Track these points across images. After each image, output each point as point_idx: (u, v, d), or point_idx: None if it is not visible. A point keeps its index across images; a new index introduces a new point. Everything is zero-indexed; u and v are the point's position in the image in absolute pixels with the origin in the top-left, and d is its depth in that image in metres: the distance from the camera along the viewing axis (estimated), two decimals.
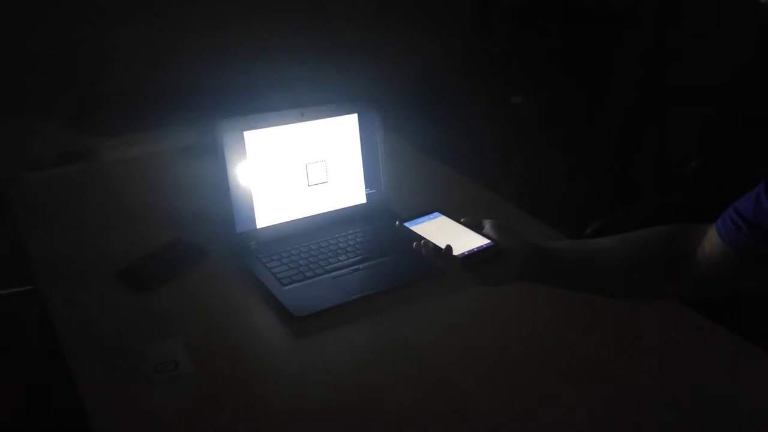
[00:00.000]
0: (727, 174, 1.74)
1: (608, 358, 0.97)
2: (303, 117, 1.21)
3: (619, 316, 1.06)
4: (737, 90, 1.88)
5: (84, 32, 1.70)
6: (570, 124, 2.42)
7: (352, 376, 0.93)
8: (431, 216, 0.92)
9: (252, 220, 1.18)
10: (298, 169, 1.22)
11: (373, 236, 1.24)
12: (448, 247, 0.82)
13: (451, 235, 0.86)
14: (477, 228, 0.87)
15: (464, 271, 0.82)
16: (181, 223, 1.26)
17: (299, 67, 2.10)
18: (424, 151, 1.69)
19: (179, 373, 0.91)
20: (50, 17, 1.65)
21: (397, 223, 0.90)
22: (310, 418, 0.85)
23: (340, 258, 1.16)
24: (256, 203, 1.18)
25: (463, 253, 0.81)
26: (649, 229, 0.79)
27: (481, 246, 0.83)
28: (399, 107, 2.07)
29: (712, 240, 0.73)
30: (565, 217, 2.43)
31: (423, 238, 0.85)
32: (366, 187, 1.30)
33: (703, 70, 2.15)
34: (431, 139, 1.79)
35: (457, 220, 0.90)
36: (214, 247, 1.19)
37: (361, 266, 1.15)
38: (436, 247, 0.83)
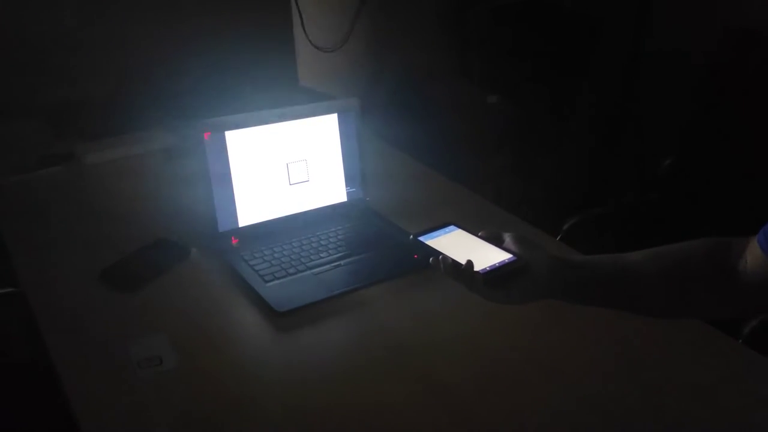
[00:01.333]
0: (700, 172, 1.79)
1: (595, 349, 1.00)
2: (283, 117, 1.23)
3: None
4: (708, 91, 1.93)
5: (63, 34, 1.70)
6: (548, 123, 2.46)
7: (334, 369, 0.95)
8: (446, 229, 0.86)
9: (234, 218, 1.20)
10: (279, 168, 1.24)
11: (354, 233, 1.26)
12: (469, 263, 0.77)
13: (469, 249, 0.81)
14: (497, 242, 0.82)
15: (487, 289, 0.77)
16: (163, 223, 1.28)
17: (279, 69, 2.13)
18: (404, 150, 1.71)
19: (163, 368, 0.92)
20: (28, 19, 1.65)
21: (411, 236, 0.85)
22: (294, 412, 0.87)
23: (322, 255, 1.19)
24: (238, 202, 1.20)
25: (485, 269, 0.76)
26: (685, 243, 0.75)
27: (504, 261, 0.78)
28: (379, 108, 2.10)
29: (754, 254, 0.68)
30: (543, 215, 2.47)
31: (440, 252, 0.80)
32: (347, 186, 1.33)
33: (677, 70, 2.20)
34: (411, 139, 1.82)
35: (475, 234, 0.85)
36: (197, 246, 1.20)
37: (342, 262, 1.17)
38: (455, 263, 0.78)
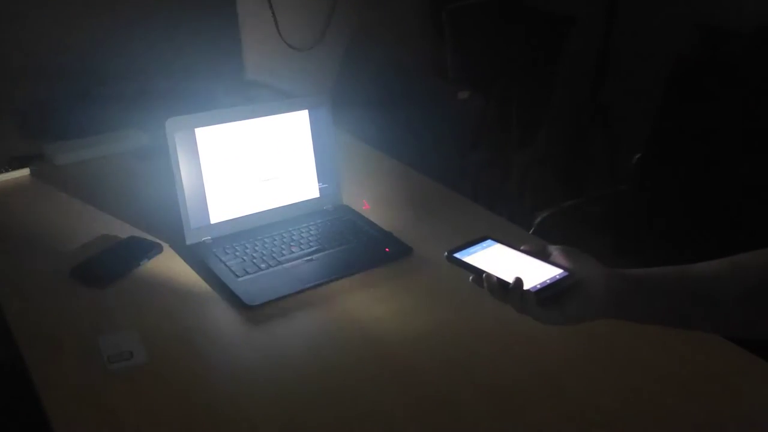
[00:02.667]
0: (668, 166, 1.82)
1: (572, 339, 1.01)
2: (254, 114, 1.24)
3: None
4: (677, 87, 1.96)
5: (33, 36, 1.70)
6: (522, 120, 2.49)
7: (306, 361, 0.96)
8: (484, 244, 0.80)
9: (206, 215, 1.20)
10: (251, 164, 1.24)
11: (326, 228, 1.27)
12: (519, 281, 0.71)
13: (514, 265, 0.75)
14: (542, 256, 0.76)
15: (540, 309, 0.71)
16: (135, 222, 1.28)
17: (253, 68, 2.13)
18: (380, 148, 1.72)
19: (134, 362, 0.92)
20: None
21: (446, 254, 0.78)
22: (265, 403, 0.87)
23: (294, 250, 1.19)
24: (209, 199, 1.20)
25: (536, 286, 0.70)
26: (763, 251, 0.67)
27: (555, 277, 0.71)
28: (355, 106, 2.12)
29: None
30: (520, 210, 2.50)
31: (482, 270, 0.74)
32: (319, 182, 1.33)
33: (646, 66, 2.24)
34: (387, 137, 1.83)
35: (516, 248, 0.78)
36: (169, 243, 1.20)
37: (314, 257, 1.18)
38: (501, 282, 0.72)
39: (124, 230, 1.24)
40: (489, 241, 0.81)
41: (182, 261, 1.17)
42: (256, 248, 1.19)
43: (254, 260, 1.15)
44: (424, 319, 1.05)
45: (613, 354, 0.97)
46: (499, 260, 0.76)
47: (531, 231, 1.69)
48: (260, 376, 0.93)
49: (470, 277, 0.75)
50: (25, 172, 1.48)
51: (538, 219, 1.69)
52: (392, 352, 0.97)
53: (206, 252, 1.17)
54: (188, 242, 1.18)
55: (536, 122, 2.54)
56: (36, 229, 1.27)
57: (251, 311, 1.04)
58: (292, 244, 1.21)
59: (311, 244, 1.21)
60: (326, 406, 0.87)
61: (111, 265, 1.12)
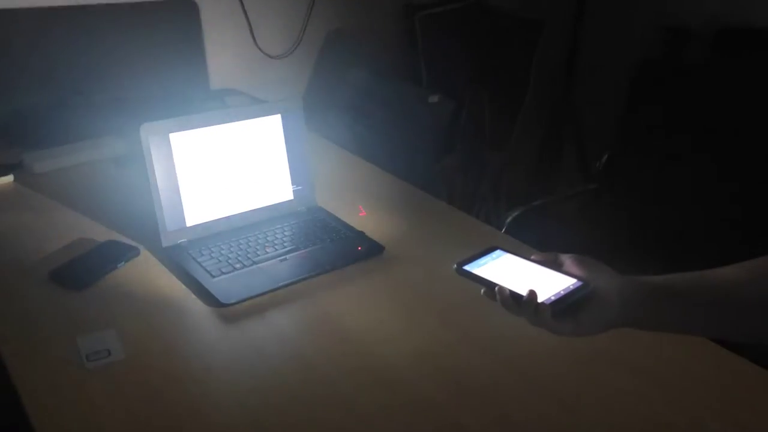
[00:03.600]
0: (633, 163, 1.88)
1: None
2: (227, 118, 1.27)
3: None
4: (642, 87, 2.02)
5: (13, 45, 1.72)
6: (495, 123, 2.54)
7: (280, 357, 0.99)
8: (493, 254, 0.78)
9: (181, 218, 1.24)
10: (225, 168, 1.28)
11: (300, 229, 1.31)
12: (532, 293, 0.69)
13: (525, 276, 0.73)
14: (554, 265, 0.74)
15: (555, 322, 0.69)
16: (113, 226, 1.31)
17: (230, 77, 2.17)
18: (355, 152, 1.76)
19: (112, 360, 0.95)
20: None
21: (455, 266, 0.76)
22: (240, 397, 0.91)
23: (268, 250, 1.23)
24: (184, 202, 1.23)
25: (550, 298, 0.69)
26: None
27: (569, 288, 0.70)
28: (328, 110, 2.16)
29: None
30: (495, 211, 2.55)
31: (494, 283, 0.72)
32: (293, 184, 1.37)
33: (611, 69, 2.30)
34: (360, 141, 1.87)
35: (526, 257, 0.77)
36: (146, 246, 1.24)
37: (288, 256, 1.22)
38: (514, 294, 0.70)
39: (102, 234, 1.27)
40: (498, 252, 0.79)
41: (159, 263, 1.20)
42: (231, 249, 1.22)
43: (229, 261, 1.19)
44: (394, 313, 1.09)
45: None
46: (510, 271, 0.75)
47: (503, 230, 1.74)
48: (235, 371, 0.96)
49: (482, 290, 0.73)
50: (9, 179, 1.50)
51: (509, 218, 1.74)
52: (363, 346, 1.01)
53: (182, 254, 1.20)
54: (164, 245, 1.22)
55: (509, 125, 2.60)
56: (15, 235, 1.30)
57: (226, 309, 1.08)
58: (266, 244, 1.24)
59: (285, 244, 1.25)
60: (300, 399, 0.90)
61: (89, 268, 1.15)
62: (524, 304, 0.69)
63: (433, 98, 1.84)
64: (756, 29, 2.10)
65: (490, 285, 0.72)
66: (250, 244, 1.24)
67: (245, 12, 2.15)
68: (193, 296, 1.12)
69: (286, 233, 1.29)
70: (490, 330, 1.03)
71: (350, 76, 2.12)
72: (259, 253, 1.22)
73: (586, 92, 2.47)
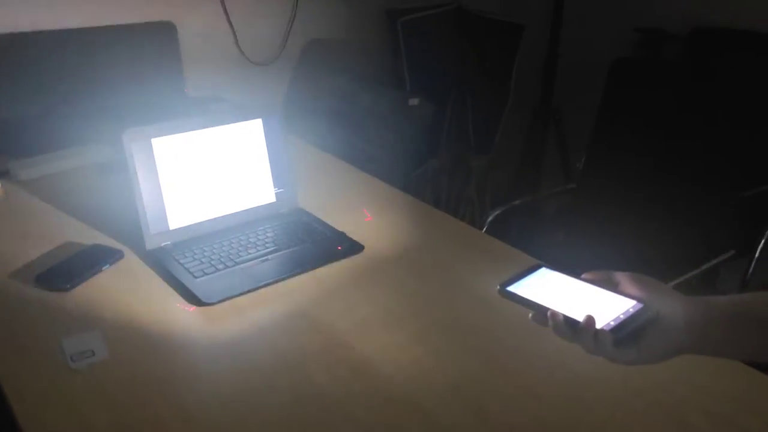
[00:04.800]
0: (609, 166, 1.92)
1: (512, 319, 1.09)
2: (209, 123, 1.30)
3: None
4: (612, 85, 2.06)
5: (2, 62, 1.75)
6: (479, 127, 2.58)
7: (262, 354, 1.01)
8: (537, 273, 0.72)
9: (164, 221, 1.26)
10: (208, 172, 1.31)
11: (282, 230, 1.34)
12: (590, 320, 0.63)
13: (577, 297, 0.67)
14: (608, 285, 0.68)
15: (616, 350, 0.63)
16: (99, 230, 1.33)
17: (213, 83, 2.20)
18: (339, 157, 1.80)
19: (96, 359, 0.98)
20: None
21: (498, 288, 0.70)
22: (221, 393, 0.93)
23: (250, 251, 1.26)
24: (167, 206, 1.26)
25: (609, 323, 0.62)
26: None
27: (628, 311, 0.63)
28: (312, 116, 2.19)
29: None
30: (478, 213, 2.59)
31: (544, 307, 0.66)
32: (275, 187, 1.40)
33: (590, 70, 2.35)
34: (344, 144, 1.91)
35: (575, 275, 0.70)
36: (131, 249, 1.26)
37: (269, 257, 1.25)
38: (568, 320, 0.64)
39: (87, 239, 1.30)
40: (543, 270, 0.73)
41: (143, 265, 1.23)
42: (214, 251, 1.25)
43: (212, 262, 1.21)
44: (371, 309, 1.12)
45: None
46: (559, 292, 0.68)
47: (483, 230, 1.77)
48: (217, 368, 0.98)
49: (530, 315, 0.67)
50: None
51: (490, 217, 1.78)
52: (341, 340, 1.04)
53: (166, 256, 1.23)
54: (148, 247, 1.24)
55: (492, 128, 2.64)
56: (2, 241, 1.32)
57: (209, 309, 1.10)
58: (248, 246, 1.27)
59: (267, 245, 1.28)
60: (280, 392, 0.93)
61: (74, 271, 1.18)
62: (581, 331, 0.63)
63: (413, 101, 1.87)
64: (731, 30, 2.15)
65: (539, 309, 0.66)
66: (232, 245, 1.27)
67: (229, 20, 2.19)
68: (176, 296, 1.14)
69: (268, 235, 1.32)
70: (467, 325, 1.07)
71: (331, 81, 2.16)
72: (241, 254, 1.24)
73: (567, 94, 2.52)
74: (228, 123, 1.32)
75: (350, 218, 1.41)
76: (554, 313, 0.65)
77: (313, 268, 1.22)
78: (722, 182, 1.61)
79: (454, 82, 2.51)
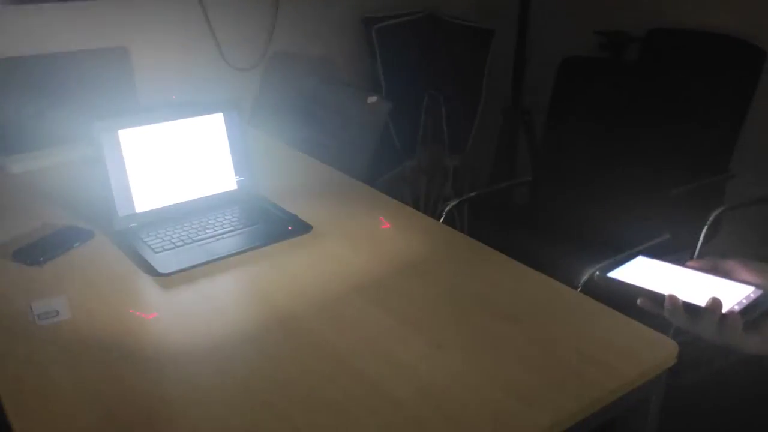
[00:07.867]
0: (559, 161, 2.03)
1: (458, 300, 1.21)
2: (173, 116, 1.44)
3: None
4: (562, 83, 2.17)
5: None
6: (455, 128, 2.70)
7: (209, 318, 1.13)
8: (635, 260, 0.69)
9: (131, 205, 1.40)
10: (172, 161, 1.44)
11: (240, 214, 1.47)
12: (716, 302, 0.60)
13: (687, 284, 0.64)
14: (718, 272, 0.66)
15: (744, 334, 0.60)
16: (74, 214, 1.47)
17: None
18: (304, 152, 1.93)
19: (59, 318, 1.11)
20: None
21: (597, 274, 0.67)
22: (173, 352, 1.05)
23: (208, 231, 1.39)
24: (134, 191, 1.40)
25: (734, 308, 0.60)
26: None
27: (750, 296, 0.61)
28: (284, 114, 2.33)
29: None
30: (458, 212, 2.70)
31: (656, 292, 0.63)
32: (236, 175, 1.53)
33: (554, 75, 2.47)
34: (311, 142, 2.04)
35: (680, 263, 0.68)
36: (101, 230, 1.40)
37: (225, 235, 1.38)
38: (688, 305, 0.61)
39: (63, 221, 1.44)
40: (642, 258, 0.69)
41: (111, 244, 1.36)
42: (176, 231, 1.38)
43: (172, 240, 1.35)
44: (313, 281, 1.24)
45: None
46: (666, 279, 0.65)
47: (441, 220, 1.89)
48: (170, 331, 1.10)
49: (638, 300, 0.64)
50: None
51: (447, 207, 1.89)
52: (285, 309, 1.15)
53: (132, 236, 1.36)
54: (116, 228, 1.38)
55: (466, 129, 2.76)
56: None
57: (165, 279, 1.23)
58: (207, 226, 1.40)
59: (224, 226, 1.41)
60: (226, 356, 1.04)
61: (48, 248, 1.31)
62: (705, 315, 0.60)
63: (372, 99, 2.00)
64: (686, 30, 2.26)
65: (650, 294, 0.63)
66: (193, 226, 1.40)
67: (210, 26, 2.34)
68: (138, 269, 1.27)
69: (226, 217, 1.45)
70: (399, 295, 1.19)
71: (299, 83, 2.30)
72: (199, 233, 1.38)
73: (535, 95, 2.63)
74: (191, 116, 1.46)
75: (304, 203, 1.54)
76: (673, 297, 0.61)
77: (264, 245, 1.34)
78: (654, 182, 1.71)
79: (428, 85, 2.64)
